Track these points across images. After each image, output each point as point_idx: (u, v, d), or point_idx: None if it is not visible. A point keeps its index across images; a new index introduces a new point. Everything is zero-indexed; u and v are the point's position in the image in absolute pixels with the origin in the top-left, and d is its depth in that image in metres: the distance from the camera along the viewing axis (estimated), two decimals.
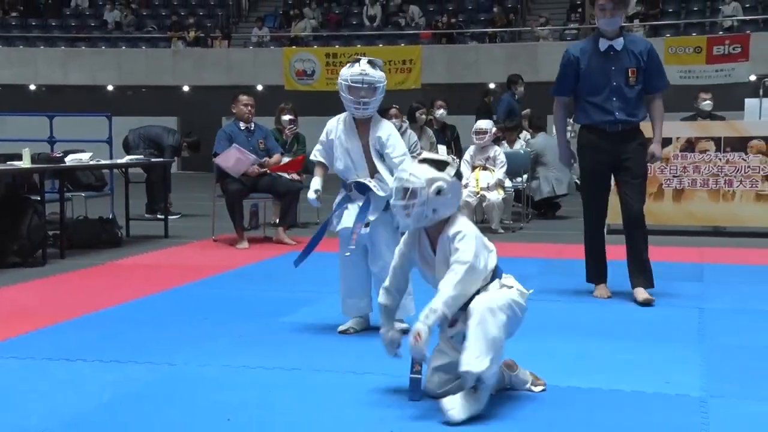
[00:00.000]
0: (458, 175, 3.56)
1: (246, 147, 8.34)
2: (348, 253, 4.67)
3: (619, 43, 5.51)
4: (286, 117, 9.84)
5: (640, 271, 5.64)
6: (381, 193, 4.63)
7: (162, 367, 4.06)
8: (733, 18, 19.56)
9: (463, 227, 3.51)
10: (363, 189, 4.70)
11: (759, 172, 8.74)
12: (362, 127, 4.73)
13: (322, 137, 4.83)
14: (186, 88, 22.44)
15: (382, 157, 4.70)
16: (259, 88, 20.73)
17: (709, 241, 8.48)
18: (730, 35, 19.04)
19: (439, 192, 3.45)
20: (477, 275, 3.44)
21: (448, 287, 3.36)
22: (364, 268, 4.82)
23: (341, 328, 4.80)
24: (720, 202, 8.88)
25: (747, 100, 10.06)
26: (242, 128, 8.46)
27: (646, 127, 5.69)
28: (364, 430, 3.22)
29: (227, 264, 7.24)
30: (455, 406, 3.27)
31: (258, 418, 3.34)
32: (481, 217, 9.70)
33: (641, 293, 5.55)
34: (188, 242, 8.69)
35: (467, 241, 3.47)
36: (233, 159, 8.06)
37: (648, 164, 5.71)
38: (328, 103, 20.89)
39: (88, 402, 3.53)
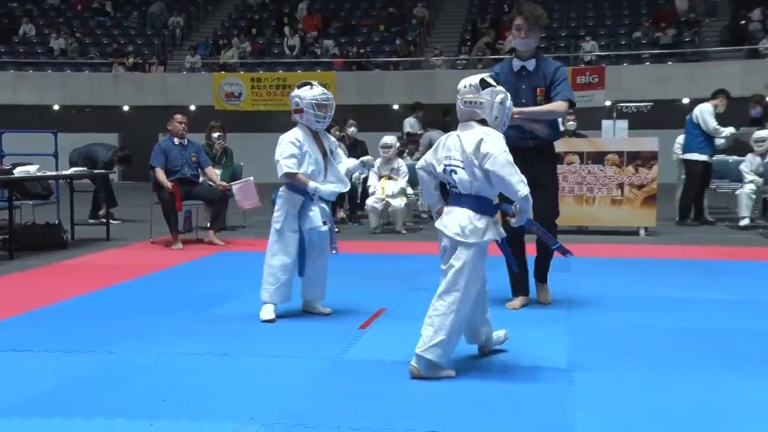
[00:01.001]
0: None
1: (180, 160, 8.20)
2: (334, 251, 4.83)
3: (531, 64, 5.14)
4: (216, 134, 9.72)
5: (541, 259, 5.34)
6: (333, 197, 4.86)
7: (103, 355, 3.95)
8: (592, 53, 20.16)
9: (504, 151, 3.47)
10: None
11: (614, 181, 9.02)
12: (317, 137, 4.86)
13: (294, 151, 4.73)
14: (126, 108, 21.88)
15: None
16: (192, 108, 20.35)
17: (575, 239, 8.71)
18: (590, 68, 19.61)
19: (501, 102, 3.60)
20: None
21: (521, 186, 3.45)
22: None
23: (266, 317, 4.73)
24: (583, 205, 9.12)
25: (603, 121, 10.37)
26: (176, 143, 8.31)
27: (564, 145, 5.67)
28: (284, 407, 3.20)
29: (163, 263, 7.08)
30: None
31: (191, 399, 3.29)
32: (387, 221, 9.74)
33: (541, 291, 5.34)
34: (128, 244, 8.48)
35: (508, 166, 3.46)
36: (250, 193, 8.07)
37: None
38: (252, 121, 20.80)
39: (33, 387, 3.42)
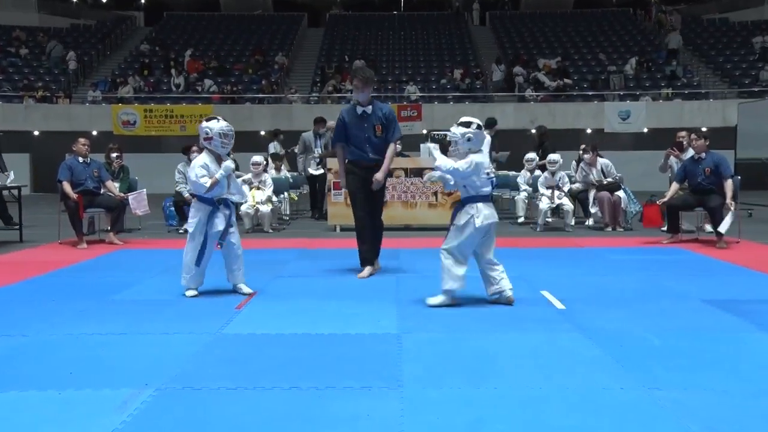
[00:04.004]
0: (479, 126, 4.26)
1: (84, 175, 7.68)
2: (220, 247, 4.79)
3: (369, 109, 5.61)
4: (114, 154, 9.20)
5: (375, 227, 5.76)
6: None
7: (16, 338, 3.62)
8: (413, 94, 20.74)
9: (476, 156, 4.24)
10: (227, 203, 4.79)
11: (430, 190, 9.30)
12: (219, 160, 4.79)
13: (205, 172, 4.67)
14: (36, 133, 20.08)
15: None
16: (94, 133, 18.98)
17: (403, 234, 8.91)
18: (411, 104, 20.13)
19: (468, 140, 4.21)
20: (456, 173, 4.20)
21: (446, 163, 4.21)
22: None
23: (190, 295, 4.68)
24: (408, 209, 9.34)
25: (421, 145, 10.65)
26: (81, 161, 7.76)
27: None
28: (174, 374, 3.06)
29: (70, 260, 6.56)
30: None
31: (94, 371, 3.08)
32: (257, 222, 9.53)
33: (376, 264, 5.77)
34: (39, 245, 7.78)
35: (470, 158, 4.23)
36: (143, 202, 7.68)
37: (373, 186, 5.59)
38: (145, 144, 19.73)
39: None
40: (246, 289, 4.86)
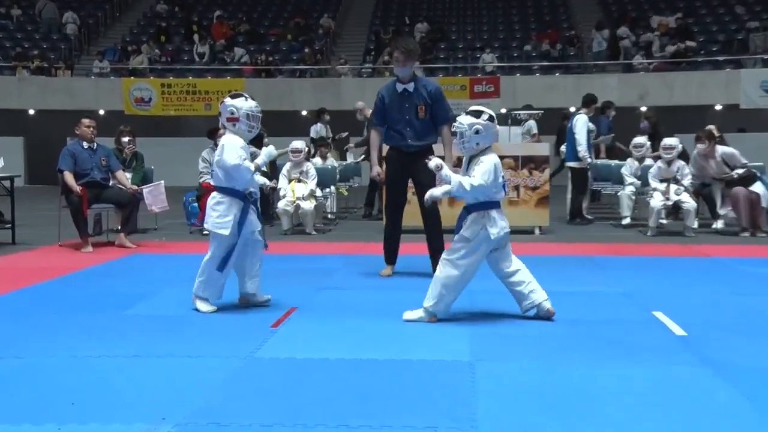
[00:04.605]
0: (491, 118, 4.41)
1: (89, 164, 7.92)
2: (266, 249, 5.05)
3: (411, 86, 5.94)
4: (125, 138, 9.43)
5: (434, 250, 5.99)
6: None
7: (8, 360, 3.75)
8: (492, 64, 20.59)
9: (490, 158, 4.42)
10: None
11: (510, 184, 9.20)
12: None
13: (245, 154, 4.78)
14: (31, 112, 20.91)
15: None
16: (101, 112, 19.65)
17: None
18: (486, 77, 20.01)
19: (477, 132, 4.36)
20: (477, 191, 4.36)
21: (464, 181, 4.35)
22: None
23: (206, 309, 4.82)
24: None
25: (499, 128, 10.57)
26: (85, 147, 8.00)
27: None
28: (196, 406, 3.11)
29: (73, 266, 6.79)
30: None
31: (100, 402, 3.16)
32: (297, 222, 9.64)
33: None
34: (35, 248, 8.09)
35: (485, 165, 4.39)
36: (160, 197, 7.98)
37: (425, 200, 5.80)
38: (163, 126, 20.25)
39: None
40: (264, 298, 4.98)
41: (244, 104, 4.82)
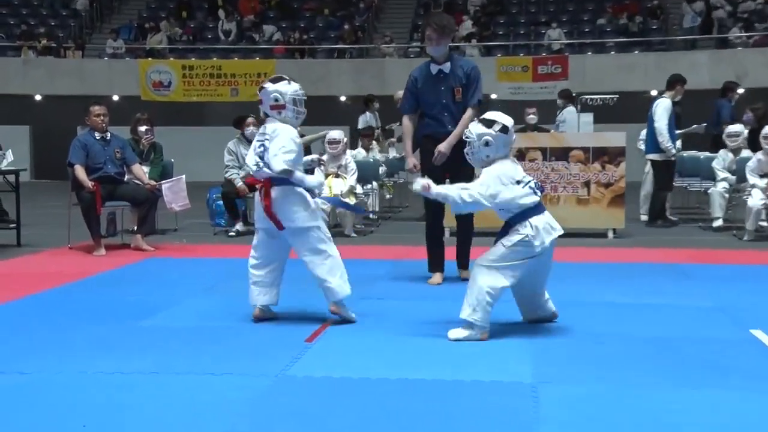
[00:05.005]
0: (504, 129, 4.48)
1: (102, 157, 8.06)
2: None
3: (447, 67, 6.12)
4: (143, 127, 9.54)
5: (462, 254, 6.32)
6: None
7: (12, 376, 3.84)
8: (559, 42, 20.43)
9: (492, 168, 4.50)
10: None
11: (579, 179, 9.13)
12: None
13: (294, 144, 4.86)
14: (38, 97, 21.40)
15: None
16: (115, 98, 20.03)
17: None
18: (552, 56, 19.87)
19: (486, 144, 4.47)
20: (478, 204, 4.46)
21: (463, 194, 4.46)
22: None
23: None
24: (547, 205, 9.12)
25: (567, 116, 10.50)
26: (98, 138, 8.14)
27: None
28: (221, 430, 3.15)
29: (84, 271, 6.93)
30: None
31: (115, 423, 3.21)
32: (335, 222, 9.70)
33: (463, 273, 6.15)
34: (43, 250, 8.28)
35: (484, 176, 4.49)
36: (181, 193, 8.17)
37: (435, 160, 6.14)
38: (184, 114, 20.54)
39: None
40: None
41: (289, 88, 4.88)
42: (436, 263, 6.34)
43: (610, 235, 9.16)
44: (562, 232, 4.67)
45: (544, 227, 4.53)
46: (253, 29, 22.16)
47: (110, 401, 3.47)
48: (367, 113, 12.98)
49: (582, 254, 7.91)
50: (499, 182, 4.45)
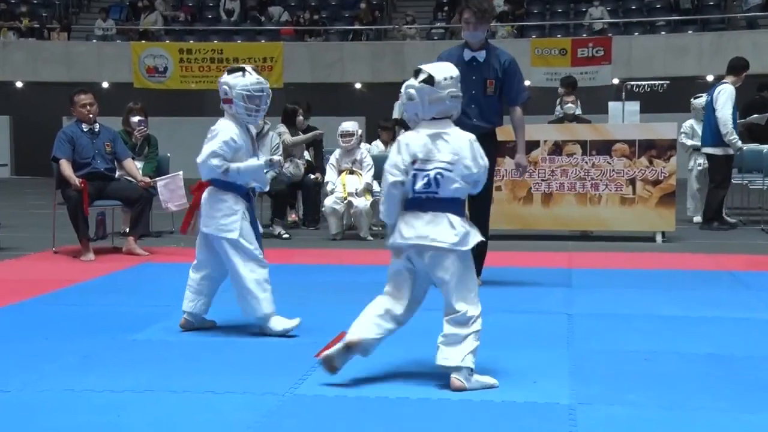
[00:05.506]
0: (428, 80, 4.03)
1: (90, 151, 8.11)
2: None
3: (481, 55, 6.22)
4: (136, 118, 9.58)
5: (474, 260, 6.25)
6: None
7: None
8: (602, 21, 20.37)
9: (403, 135, 4.15)
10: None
11: (623, 176, 9.10)
12: (248, 131, 5.13)
13: (227, 147, 4.92)
14: (19, 84, 21.59)
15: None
16: (105, 85, 20.18)
17: (578, 246, 8.76)
18: (593, 38, 19.82)
19: (410, 98, 4.07)
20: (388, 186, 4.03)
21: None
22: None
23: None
24: (587, 205, 9.19)
25: (610, 104, 10.47)
26: (85, 130, 8.18)
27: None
28: None
29: (70, 277, 6.99)
30: None
31: None
32: (349, 224, 9.73)
33: None
34: (24, 254, 8.35)
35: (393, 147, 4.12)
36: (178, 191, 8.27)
37: (519, 175, 6.62)
38: (181, 103, 20.65)
39: None
40: (283, 324, 4.98)
41: (239, 81, 4.94)
42: None
43: (659, 238, 9.13)
44: (436, 243, 3.96)
45: (403, 228, 4.03)
46: (258, 8, 22.21)
47: (100, 422, 3.49)
48: (400, 102, 13.00)
49: (626, 260, 7.89)
50: (396, 151, 4.09)
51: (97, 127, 8.28)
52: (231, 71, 5.02)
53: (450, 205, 3.98)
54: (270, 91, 5.09)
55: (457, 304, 3.96)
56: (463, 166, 3.98)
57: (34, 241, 9.04)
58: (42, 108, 19.80)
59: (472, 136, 4.13)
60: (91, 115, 8.21)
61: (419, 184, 3.97)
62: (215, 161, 4.88)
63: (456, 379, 3.86)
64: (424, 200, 3.97)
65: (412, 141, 4.04)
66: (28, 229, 10.23)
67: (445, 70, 4.11)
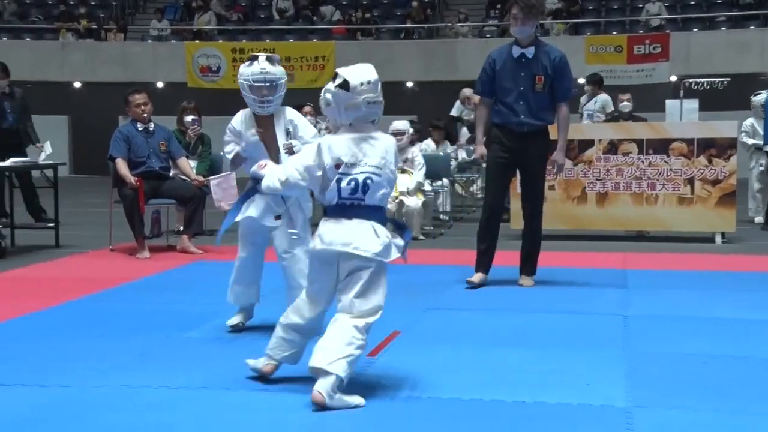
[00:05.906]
0: (343, 85, 3.81)
1: (145, 150, 8.22)
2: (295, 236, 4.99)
3: (530, 51, 6.27)
4: (189, 117, 9.68)
5: (527, 260, 6.47)
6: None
7: (52, 389, 3.95)
8: (659, 17, 20.11)
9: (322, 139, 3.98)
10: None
11: (681, 175, 8.99)
12: (264, 122, 5.10)
13: (230, 133, 5.15)
14: (77, 85, 21.93)
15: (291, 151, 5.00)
16: (160, 85, 20.43)
17: (633, 246, 8.68)
18: (650, 34, 19.57)
19: (327, 104, 3.91)
20: (291, 188, 4.00)
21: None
22: (260, 258, 5.21)
23: (229, 322, 5.07)
24: (643, 205, 9.10)
25: (668, 101, 10.34)
26: (140, 129, 8.30)
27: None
28: None
29: (126, 275, 7.10)
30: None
31: None
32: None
33: (525, 280, 6.46)
34: (82, 252, 8.49)
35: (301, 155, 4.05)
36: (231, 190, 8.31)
37: (553, 173, 6.56)
38: (234, 102, 20.66)
39: None
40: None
41: (245, 70, 4.98)
42: (480, 262, 6.49)
43: (718, 239, 9.01)
44: (349, 250, 3.79)
45: (330, 234, 3.84)
46: (311, 8, 22.32)
47: (155, 421, 3.53)
48: (460, 102, 12.98)
49: (685, 261, 7.80)
50: (315, 152, 3.87)
51: (152, 126, 8.39)
52: (250, 59, 5.05)
53: (374, 212, 3.85)
54: (280, 81, 4.96)
55: (356, 310, 3.80)
56: (390, 171, 3.86)
57: (92, 239, 9.18)
58: (99, 108, 20.08)
59: (394, 140, 4.03)
60: (145, 115, 8.33)
61: (345, 191, 3.79)
62: (225, 149, 5.04)
63: (318, 392, 3.58)
64: (348, 206, 3.82)
65: (335, 144, 3.84)
66: (85, 227, 10.39)
67: (361, 75, 3.87)
